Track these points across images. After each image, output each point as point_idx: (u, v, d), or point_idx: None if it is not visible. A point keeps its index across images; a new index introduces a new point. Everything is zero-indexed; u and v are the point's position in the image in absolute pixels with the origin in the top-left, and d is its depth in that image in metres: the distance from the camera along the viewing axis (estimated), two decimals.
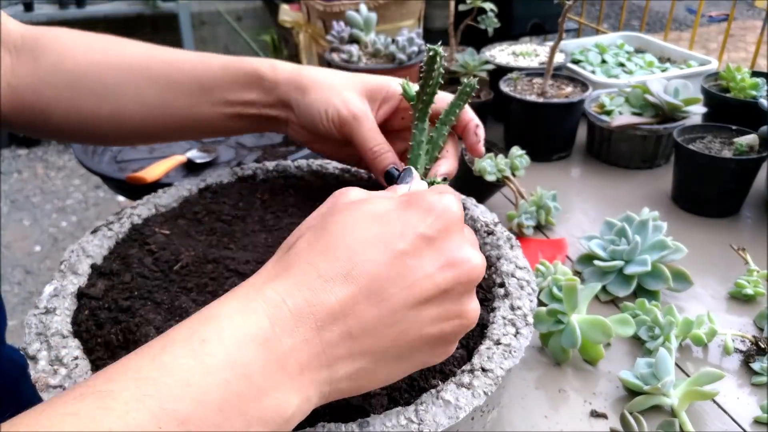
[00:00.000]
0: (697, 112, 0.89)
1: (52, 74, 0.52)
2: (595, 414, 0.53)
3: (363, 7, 1.07)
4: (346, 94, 0.51)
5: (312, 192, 0.61)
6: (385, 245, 0.30)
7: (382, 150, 0.50)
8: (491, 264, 0.52)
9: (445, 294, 0.32)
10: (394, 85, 0.54)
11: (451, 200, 0.33)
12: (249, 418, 0.27)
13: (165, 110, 0.54)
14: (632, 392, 0.54)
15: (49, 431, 0.23)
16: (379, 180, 0.52)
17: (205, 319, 0.28)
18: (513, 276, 0.50)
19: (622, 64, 1.18)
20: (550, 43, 0.98)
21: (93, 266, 0.50)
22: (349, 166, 0.66)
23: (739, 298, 0.66)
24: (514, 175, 0.78)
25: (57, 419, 0.24)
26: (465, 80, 0.50)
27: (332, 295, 0.29)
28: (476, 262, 0.33)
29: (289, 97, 0.53)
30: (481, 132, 0.54)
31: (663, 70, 1.13)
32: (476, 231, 0.56)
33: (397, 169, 0.51)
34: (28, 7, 2.94)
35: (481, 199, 0.67)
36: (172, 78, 0.53)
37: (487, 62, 1.03)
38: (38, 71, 0.52)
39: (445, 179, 0.51)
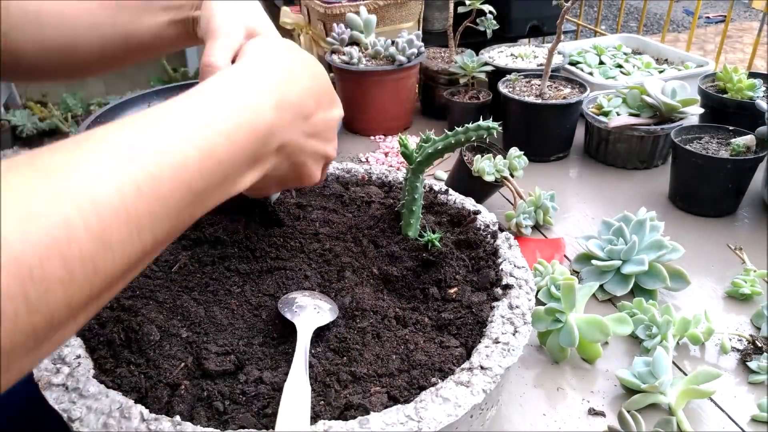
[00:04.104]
0: (694, 112, 0.89)
1: (19, 17, 0.55)
2: (593, 412, 0.53)
3: (363, 10, 1.08)
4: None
5: (312, 191, 0.61)
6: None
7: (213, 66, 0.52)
8: (491, 263, 0.53)
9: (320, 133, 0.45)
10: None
11: None
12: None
13: (114, 29, 0.58)
14: (630, 390, 0.54)
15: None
16: None
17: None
18: (511, 275, 0.50)
19: (619, 66, 1.18)
20: (549, 45, 0.99)
21: None
22: (349, 167, 0.66)
23: (736, 298, 0.67)
24: (512, 175, 0.78)
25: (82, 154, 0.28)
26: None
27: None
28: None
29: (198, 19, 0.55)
30: None
31: (660, 72, 1.14)
32: (477, 230, 0.56)
33: None
34: None
35: (479, 199, 0.67)
36: None
37: (485, 64, 1.04)
38: (8, 19, 0.55)
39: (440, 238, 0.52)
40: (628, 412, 0.49)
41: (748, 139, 0.80)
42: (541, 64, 1.08)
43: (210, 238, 0.53)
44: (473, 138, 0.49)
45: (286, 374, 0.39)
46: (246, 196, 0.50)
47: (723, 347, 0.59)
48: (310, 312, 0.45)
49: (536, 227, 0.80)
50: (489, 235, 0.56)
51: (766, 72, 1.03)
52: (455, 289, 0.50)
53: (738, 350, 0.60)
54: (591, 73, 1.12)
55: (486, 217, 0.58)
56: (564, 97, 0.95)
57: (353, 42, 1.08)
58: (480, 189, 0.78)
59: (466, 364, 0.41)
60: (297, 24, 1.32)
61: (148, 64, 3.46)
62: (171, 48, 0.61)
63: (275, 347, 0.44)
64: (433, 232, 0.52)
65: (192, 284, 0.48)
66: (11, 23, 0.55)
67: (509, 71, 1.02)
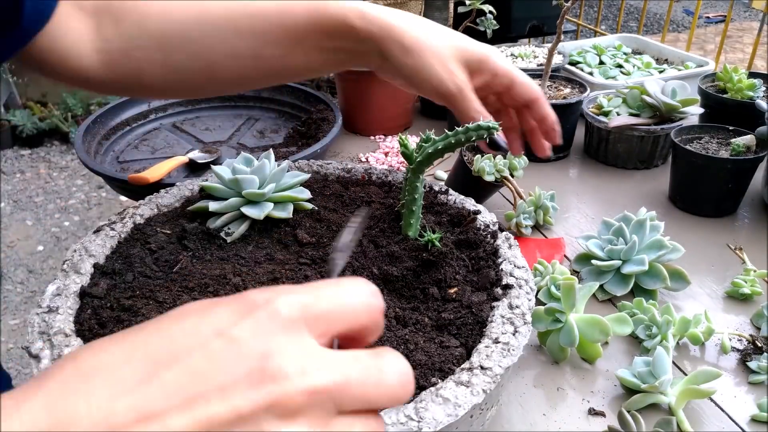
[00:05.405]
0: (694, 112, 0.89)
1: (138, 36, 0.51)
2: (593, 412, 0.53)
3: None
4: (452, 66, 0.52)
5: (312, 191, 0.61)
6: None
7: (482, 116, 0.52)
8: (491, 263, 0.53)
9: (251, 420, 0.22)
10: (493, 59, 0.54)
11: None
12: None
13: (257, 61, 0.53)
14: (630, 390, 0.54)
15: None
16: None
17: None
18: (511, 275, 0.50)
19: (619, 66, 1.18)
20: (549, 45, 0.99)
21: (95, 265, 0.50)
22: (349, 167, 0.66)
23: (736, 298, 0.67)
24: (512, 175, 0.78)
25: None
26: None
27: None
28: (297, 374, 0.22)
29: (388, 52, 0.52)
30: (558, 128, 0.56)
31: (660, 71, 1.14)
32: (477, 230, 0.56)
33: (501, 141, 0.55)
34: None
35: (479, 199, 0.67)
36: (261, 30, 0.52)
37: None
38: (124, 34, 0.51)
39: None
40: (628, 412, 0.49)
41: (748, 139, 0.80)
42: (541, 64, 1.08)
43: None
44: (473, 138, 0.49)
45: None
46: None
47: (723, 347, 0.60)
48: None
49: (536, 227, 0.80)
50: (489, 235, 0.56)
51: (766, 72, 1.03)
52: (455, 289, 0.50)
53: (738, 350, 0.60)
54: (591, 73, 1.12)
55: (486, 217, 0.58)
56: (564, 97, 0.95)
57: None
58: (480, 189, 0.78)
59: (466, 364, 0.41)
60: None
61: None
62: (331, 71, 0.56)
63: None
64: (433, 232, 0.52)
65: (192, 284, 0.48)
66: (126, 37, 0.51)
67: None
